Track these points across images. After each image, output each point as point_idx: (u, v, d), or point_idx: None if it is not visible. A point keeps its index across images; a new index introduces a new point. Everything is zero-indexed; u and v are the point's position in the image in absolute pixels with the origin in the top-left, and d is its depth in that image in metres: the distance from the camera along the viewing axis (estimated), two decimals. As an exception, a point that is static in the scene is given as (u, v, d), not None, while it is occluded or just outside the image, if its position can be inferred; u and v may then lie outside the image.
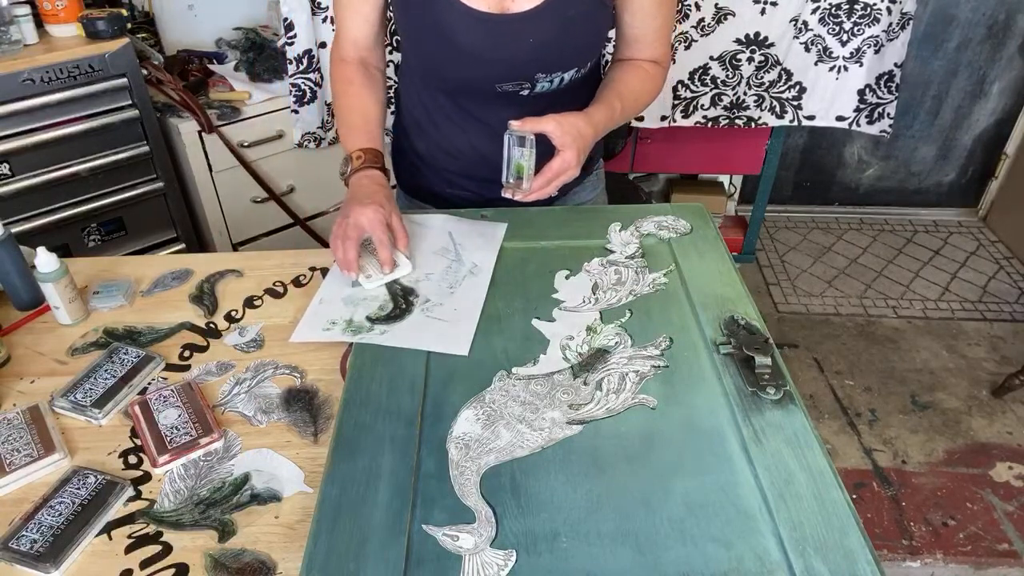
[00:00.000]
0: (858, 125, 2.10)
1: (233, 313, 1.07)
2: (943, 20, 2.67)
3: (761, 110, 2.11)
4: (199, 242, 2.07)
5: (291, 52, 1.87)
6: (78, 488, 0.79)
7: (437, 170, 1.26)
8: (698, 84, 2.05)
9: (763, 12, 1.92)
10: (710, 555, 0.68)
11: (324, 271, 1.13)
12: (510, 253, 1.11)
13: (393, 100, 1.34)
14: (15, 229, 1.69)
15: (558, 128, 1.00)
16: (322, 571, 0.67)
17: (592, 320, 0.97)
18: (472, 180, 1.24)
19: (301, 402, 0.91)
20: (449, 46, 1.05)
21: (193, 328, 1.04)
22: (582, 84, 1.14)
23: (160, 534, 0.75)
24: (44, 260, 0.99)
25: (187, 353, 1.00)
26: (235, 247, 2.06)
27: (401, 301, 1.00)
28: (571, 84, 1.11)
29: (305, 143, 2.01)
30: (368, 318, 0.98)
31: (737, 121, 2.13)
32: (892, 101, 2.03)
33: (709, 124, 2.14)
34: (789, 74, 2.03)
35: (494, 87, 1.09)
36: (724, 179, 2.76)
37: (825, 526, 0.70)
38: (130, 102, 1.76)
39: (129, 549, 0.74)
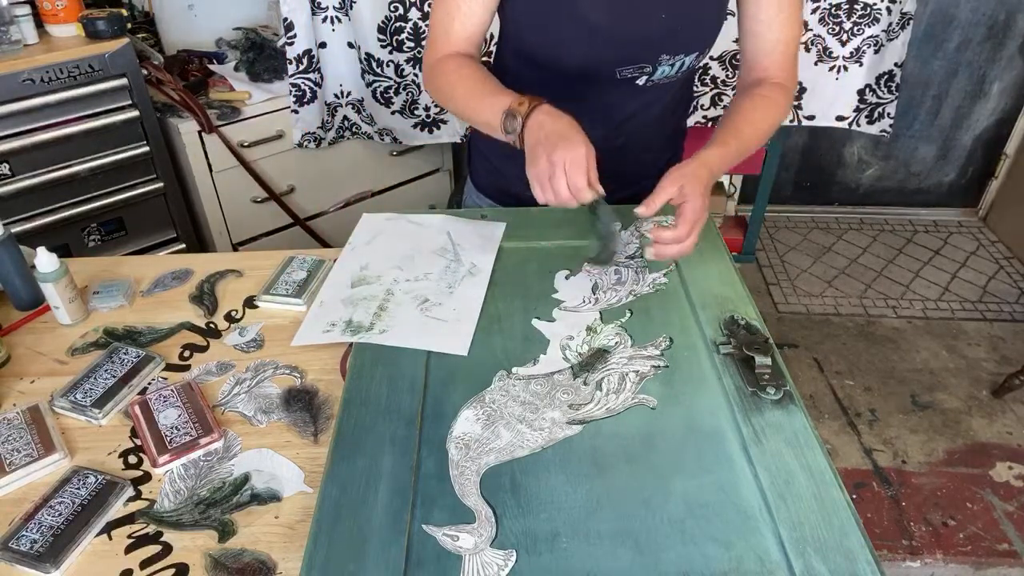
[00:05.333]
0: (858, 125, 2.10)
1: (233, 313, 1.07)
2: (943, 20, 2.66)
3: (761, 110, 2.10)
4: (199, 242, 2.07)
5: (291, 52, 1.87)
6: (78, 488, 0.79)
7: (523, 171, 1.15)
8: (698, 84, 2.05)
9: (763, 12, 1.92)
10: (710, 555, 0.68)
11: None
12: (510, 253, 1.10)
13: None
14: (15, 229, 1.69)
15: (677, 181, 0.94)
16: (322, 571, 0.67)
17: (592, 320, 0.97)
18: None
19: (301, 402, 0.91)
20: (577, 24, 1.02)
21: (193, 328, 1.04)
22: (687, 82, 1.10)
23: (160, 534, 0.75)
24: (44, 260, 0.99)
25: (187, 353, 1.00)
26: (235, 247, 2.06)
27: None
28: (681, 78, 1.08)
29: (305, 143, 2.01)
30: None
31: (737, 121, 2.13)
32: (892, 101, 2.03)
33: (709, 124, 2.14)
34: (789, 74, 2.03)
35: (614, 72, 1.06)
36: (724, 179, 2.75)
37: (825, 526, 0.70)
38: (130, 102, 1.76)
39: (129, 549, 0.74)
